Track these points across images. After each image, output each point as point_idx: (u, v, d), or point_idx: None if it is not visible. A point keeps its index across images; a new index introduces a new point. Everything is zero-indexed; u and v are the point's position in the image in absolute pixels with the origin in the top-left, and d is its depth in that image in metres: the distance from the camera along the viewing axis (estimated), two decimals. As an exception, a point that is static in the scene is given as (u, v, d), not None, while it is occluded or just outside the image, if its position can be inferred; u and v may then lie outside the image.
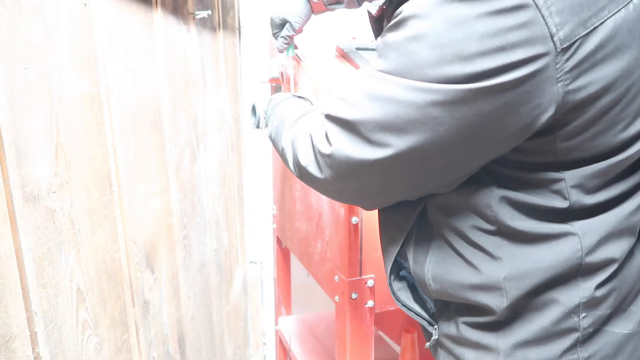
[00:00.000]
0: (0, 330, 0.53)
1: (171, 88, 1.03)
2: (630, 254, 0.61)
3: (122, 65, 0.80)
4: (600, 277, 0.58)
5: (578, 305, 0.58)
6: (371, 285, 1.08)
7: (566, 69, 0.48)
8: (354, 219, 1.04)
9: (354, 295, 1.07)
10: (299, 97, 0.96)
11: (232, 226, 1.58)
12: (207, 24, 1.27)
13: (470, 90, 0.49)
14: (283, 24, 1.05)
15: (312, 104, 0.95)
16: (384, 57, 0.55)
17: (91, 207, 0.71)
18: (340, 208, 1.06)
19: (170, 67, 1.02)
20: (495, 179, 0.59)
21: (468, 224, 0.61)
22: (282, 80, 1.35)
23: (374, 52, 1.33)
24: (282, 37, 1.07)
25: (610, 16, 0.48)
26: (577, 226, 0.57)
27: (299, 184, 1.35)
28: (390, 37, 0.55)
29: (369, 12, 0.71)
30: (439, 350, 0.72)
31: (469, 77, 0.49)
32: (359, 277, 1.06)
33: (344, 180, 0.62)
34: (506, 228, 0.59)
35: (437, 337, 0.71)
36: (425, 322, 0.73)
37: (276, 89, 1.45)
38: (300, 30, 1.07)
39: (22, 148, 0.56)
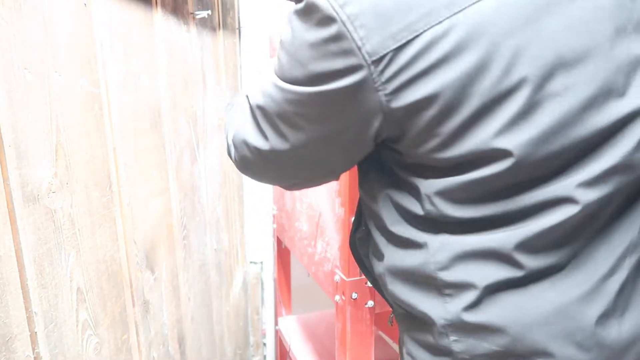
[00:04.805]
0: (0, 330, 0.53)
1: (171, 88, 1.03)
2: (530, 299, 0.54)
3: (122, 65, 0.80)
4: (465, 300, 0.55)
5: (444, 326, 0.56)
6: (371, 285, 1.08)
7: (383, 80, 0.50)
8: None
9: (354, 295, 1.06)
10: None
11: (232, 226, 1.58)
12: (207, 24, 1.27)
13: (309, 93, 0.54)
14: None
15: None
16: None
17: (91, 207, 0.71)
18: (340, 208, 1.06)
19: (170, 67, 1.02)
20: (385, 177, 0.62)
21: (372, 220, 0.66)
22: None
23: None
24: None
25: (428, 29, 0.48)
26: (433, 239, 0.56)
27: (299, 184, 1.35)
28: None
29: None
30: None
31: (306, 80, 0.54)
32: (359, 277, 1.06)
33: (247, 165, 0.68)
34: (387, 229, 0.62)
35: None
36: None
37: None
38: None
39: (22, 148, 0.56)
